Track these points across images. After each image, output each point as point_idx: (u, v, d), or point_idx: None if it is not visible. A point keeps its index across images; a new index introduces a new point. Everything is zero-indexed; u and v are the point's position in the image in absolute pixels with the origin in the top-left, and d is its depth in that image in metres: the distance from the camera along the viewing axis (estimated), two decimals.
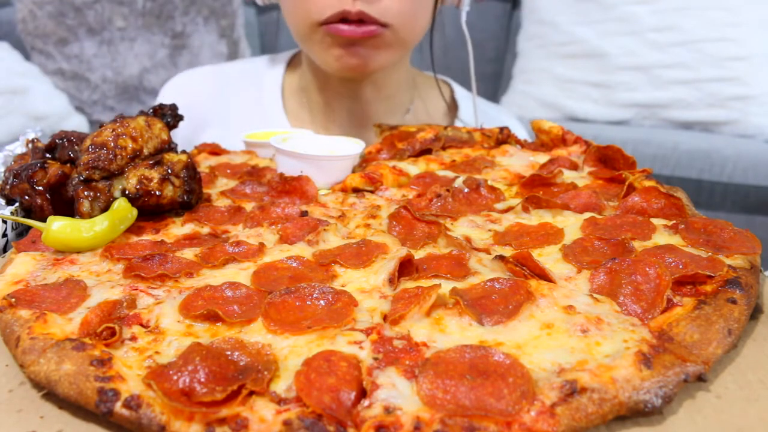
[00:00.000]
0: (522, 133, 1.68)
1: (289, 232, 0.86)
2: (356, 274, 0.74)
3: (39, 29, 2.99)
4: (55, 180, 0.90)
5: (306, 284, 0.68)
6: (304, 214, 0.95)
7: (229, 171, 1.17)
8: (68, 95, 3.05)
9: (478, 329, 0.60)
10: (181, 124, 1.45)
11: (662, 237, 0.78)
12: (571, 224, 0.84)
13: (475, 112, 1.62)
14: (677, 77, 2.76)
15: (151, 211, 0.92)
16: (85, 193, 0.86)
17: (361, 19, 1.28)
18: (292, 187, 1.04)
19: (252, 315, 0.64)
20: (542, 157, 1.14)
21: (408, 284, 0.70)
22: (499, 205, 0.96)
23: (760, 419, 0.53)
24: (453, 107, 1.73)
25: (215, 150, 1.29)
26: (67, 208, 0.88)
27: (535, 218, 0.89)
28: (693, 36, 2.73)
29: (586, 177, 1.03)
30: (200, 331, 0.62)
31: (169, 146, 0.98)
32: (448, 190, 0.97)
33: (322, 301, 0.66)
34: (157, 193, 0.90)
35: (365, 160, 1.21)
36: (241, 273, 0.74)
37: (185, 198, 0.93)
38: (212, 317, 0.63)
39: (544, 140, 1.24)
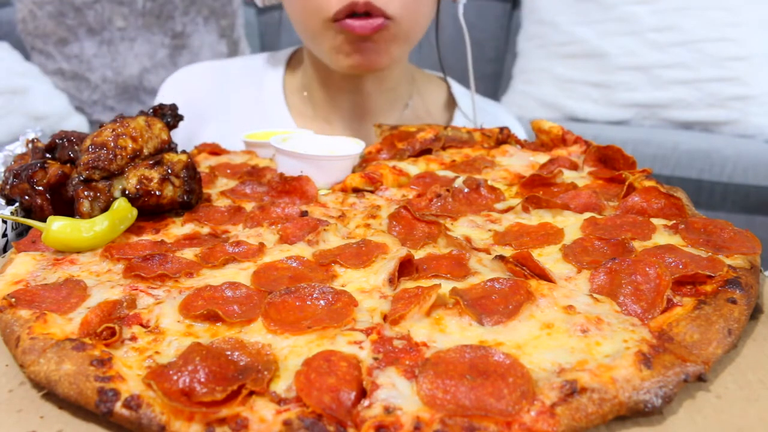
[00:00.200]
0: (519, 130, 1.69)
1: (289, 232, 0.86)
2: (356, 274, 0.74)
3: (39, 29, 2.99)
4: (55, 180, 0.90)
5: (306, 284, 0.68)
6: (304, 214, 0.95)
7: (229, 171, 1.17)
8: (68, 95, 3.05)
9: (478, 329, 0.60)
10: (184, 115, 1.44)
11: (662, 237, 0.78)
12: (571, 224, 0.84)
13: (473, 107, 1.62)
14: (677, 77, 2.76)
15: (151, 211, 0.92)
16: (85, 193, 0.86)
17: (368, 12, 1.29)
18: (292, 187, 1.04)
19: (252, 315, 0.64)
20: (542, 157, 1.14)
21: (408, 284, 0.70)
22: (499, 205, 0.96)
23: (760, 419, 0.53)
24: (450, 103, 1.74)
25: (215, 150, 1.29)
26: (67, 208, 0.88)
27: (535, 218, 0.89)
28: (693, 36, 2.73)
29: (586, 177, 1.03)
30: (200, 331, 0.62)
31: (169, 146, 0.98)
32: (448, 190, 0.98)
33: (322, 301, 0.66)
34: (157, 193, 0.90)
35: (365, 160, 1.21)
36: (241, 273, 0.74)
37: (185, 198, 0.93)
38: (212, 317, 0.63)
39: (544, 140, 1.24)
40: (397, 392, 0.51)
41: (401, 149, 1.20)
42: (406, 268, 0.73)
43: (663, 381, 0.52)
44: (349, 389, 0.52)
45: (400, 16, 1.33)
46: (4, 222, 0.92)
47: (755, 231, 0.76)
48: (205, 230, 0.90)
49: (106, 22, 3.03)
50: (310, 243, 0.83)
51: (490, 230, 0.86)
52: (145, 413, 0.50)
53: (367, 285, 0.71)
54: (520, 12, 3.22)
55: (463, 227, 0.88)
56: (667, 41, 2.77)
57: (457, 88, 1.76)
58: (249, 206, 0.98)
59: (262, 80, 1.70)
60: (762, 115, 2.70)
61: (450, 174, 1.08)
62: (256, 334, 0.61)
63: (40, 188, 0.89)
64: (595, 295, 0.65)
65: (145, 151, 0.93)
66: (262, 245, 0.81)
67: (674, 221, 0.81)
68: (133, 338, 0.60)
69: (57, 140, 0.94)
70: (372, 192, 1.06)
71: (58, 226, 0.79)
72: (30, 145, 1.01)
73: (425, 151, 1.21)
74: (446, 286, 0.67)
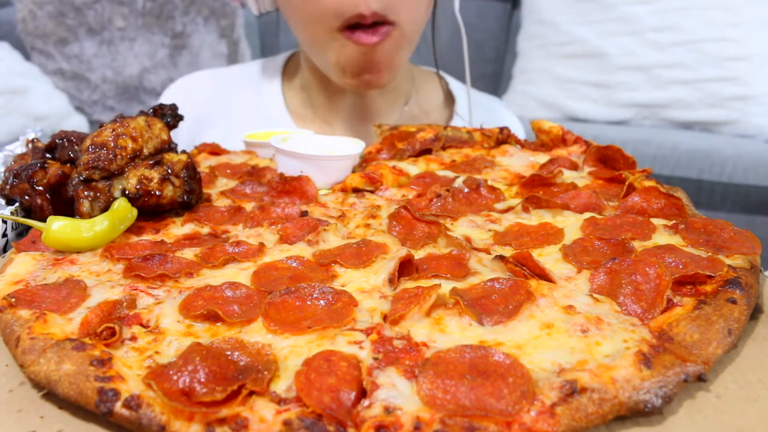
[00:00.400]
0: (518, 126, 1.69)
1: (289, 232, 0.86)
2: (356, 274, 0.74)
3: (39, 29, 2.99)
4: (55, 180, 0.90)
5: (306, 284, 0.68)
6: (304, 214, 0.95)
7: (229, 171, 1.17)
8: (68, 95, 3.05)
9: (478, 329, 0.60)
10: (183, 126, 1.45)
11: (662, 237, 0.78)
12: (571, 224, 0.84)
13: (469, 103, 1.62)
14: (677, 77, 2.76)
15: (151, 211, 0.92)
16: (85, 193, 0.86)
17: (375, 22, 1.29)
18: (292, 187, 1.04)
19: (252, 315, 0.64)
20: (542, 157, 1.14)
21: (408, 284, 0.70)
22: (499, 205, 0.96)
23: (760, 419, 0.52)
24: (449, 99, 1.74)
25: (215, 150, 1.29)
26: (67, 208, 0.88)
27: (535, 218, 0.89)
28: (693, 36, 2.73)
29: (586, 177, 1.03)
30: (200, 331, 0.62)
31: (169, 146, 0.98)
32: (448, 190, 0.97)
33: (322, 301, 0.66)
34: (157, 193, 0.90)
35: (365, 160, 1.21)
36: (241, 273, 0.74)
37: (185, 198, 0.93)
38: (212, 317, 0.63)
39: (544, 140, 1.24)
40: (397, 392, 0.51)
41: (401, 149, 1.20)
42: (406, 268, 0.73)
43: (663, 381, 0.52)
44: (349, 389, 0.52)
45: (404, 22, 1.33)
46: (4, 222, 0.92)
47: (755, 231, 0.76)
48: (205, 230, 0.90)
49: (106, 22, 3.03)
50: (310, 243, 0.83)
51: (490, 230, 0.86)
52: (145, 413, 0.50)
53: (367, 285, 0.71)
54: (520, 12, 3.22)
55: (463, 227, 0.88)
56: (667, 41, 2.77)
57: (455, 84, 1.76)
58: (249, 206, 0.98)
59: (261, 86, 1.71)
60: (762, 115, 2.71)
61: (450, 174, 1.08)
62: (256, 334, 0.61)
63: (40, 188, 0.89)
64: (595, 295, 0.65)
65: (145, 151, 0.93)
66: (262, 245, 0.81)
67: (674, 221, 0.81)
68: (133, 338, 0.60)
69: (57, 140, 0.94)
70: (372, 192, 1.06)
71: (58, 226, 0.79)
72: (30, 145, 1.01)
73: (425, 151, 1.21)
74: (446, 286, 0.67)
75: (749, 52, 2.70)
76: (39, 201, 0.89)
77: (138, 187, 0.89)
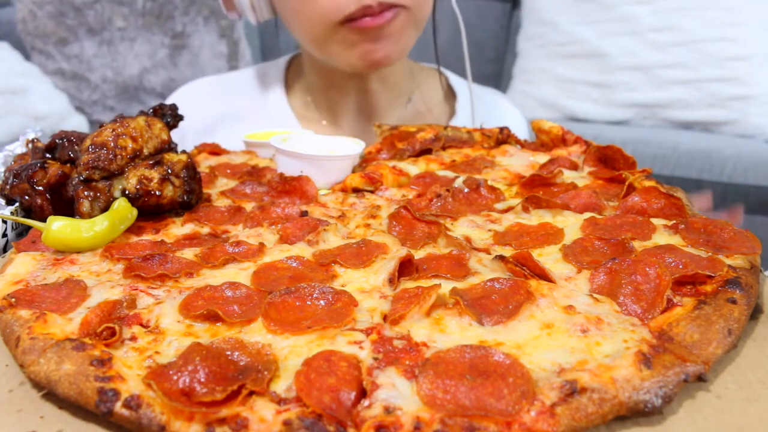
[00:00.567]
0: (520, 119, 1.68)
1: (289, 232, 0.86)
2: (356, 274, 0.74)
3: (39, 29, 2.99)
4: (55, 180, 0.90)
5: (306, 284, 0.68)
6: (304, 214, 0.95)
7: (229, 171, 1.17)
8: (68, 95, 3.05)
9: (478, 329, 0.60)
10: (190, 133, 1.45)
11: (662, 237, 0.78)
12: (571, 224, 0.84)
13: (470, 96, 1.62)
14: (677, 77, 2.76)
15: (151, 211, 0.92)
16: (85, 193, 0.86)
17: (382, 9, 1.29)
18: (292, 187, 1.04)
19: (252, 315, 0.64)
20: (542, 157, 1.14)
21: (408, 284, 0.70)
22: (499, 205, 0.96)
23: (760, 419, 0.53)
24: (450, 95, 1.75)
25: (215, 150, 1.29)
26: (67, 208, 0.88)
27: (535, 218, 0.89)
28: (693, 36, 2.73)
29: (586, 177, 1.03)
30: (200, 331, 0.62)
31: (169, 146, 0.98)
32: (448, 190, 0.97)
33: (322, 301, 0.66)
34: (157, 193, 0.90)
35: (365, 160, 1.21)
36: (241, 273, 0.74)
37: (185, 198, 0.93)
38: (212, 317, 0.63)
39: (544, 140, 1.24)
40: (397, 392, 0.51)
41: (401, 149, 1.20)
42: (406, 268, 0.73)
43: (663, 381, 0.52)
44: (349, 389, 0.52)
45: (413, 4, 1.33)
46: (4, 222, 0.92)
47: (755, 231, 0.76)
48: (205, 230, 0.90)
49: (106, 22, 3.03)
50: (310, 243, 0.83)
51: (490, 230, 0.86)
52: (145, 413, 0.50)
53: (367, 285, 0.71)
54: (520, 12, 3.22)
55: (463, 227, 0.88)
56: (667, 41, 2.77)
57: (456, 80, 1.77)
58: (249, 206, 0.98)
59: (265, 90, 1.71)
60: (762, 115, 2.70)
61: (450, 174, 1.08)
62: (256, 334, 0.61)
63: (40, 188, 0.89)
64: (595, 295, 0.65)
65: (145, 151, 0.93)
66: (262, 245, 0.81)
67: (674, 221, 0.81)
68: (133, 338, 0.60)
69: (57, 140, 0.94)
70: (372, 192, 1.06)
71: (58, 226, 0.79)
72: (30, 145, 1.01)
73: (425, 151, 1.21)
74: (446, 286, 0.67)
75: (749, 52, 2.70)
76: (39, 201, 0.89)
77: (138, 187, 0.89)
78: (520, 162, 1.15)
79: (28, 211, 0.92)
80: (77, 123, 2.99)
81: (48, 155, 0.95)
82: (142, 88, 3.13)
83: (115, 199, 0.87)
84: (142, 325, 0.63)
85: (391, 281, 0.70)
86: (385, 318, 0.63)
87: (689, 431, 0.52)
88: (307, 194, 1.03)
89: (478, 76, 1.64)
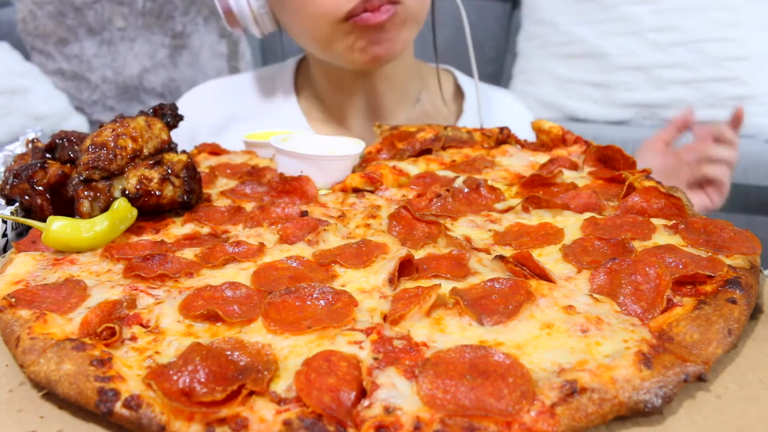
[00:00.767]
0: (528, 118, 1.69)
1: (289, 232, 0.86)
2: (356, 274, 0.74)
3: (39, 29, 2.99)
4: (55, 180, 0.90)
5: (306, 284, 0.68)
6: (304, 214, 0.95)
7: (229, 171, 1.17)
8: (68, 95, 3.05)
9: (478, 329, 0.60)
10: (200, 135, 1.45)
11: (662, 237, 0.78)
12: (571, 224, 0.84)
13: (477, 96, 1.62)
14: (677, 77, 2.76)
15: (151, 211, 0.92)
16: (85, 193, 0.86)
17: (380, 4, 1.29)
18: (292, 187, 1.04)
19: (252, 315, 0.64)
20: (542, 157, 1.14)
21: (408, 284, 0.70)
22: (499, 205, 0.96)
23: (760, 419, 0.52)
24: (458, 95, 1.75)
25: (215, 150, 1.29)
26: (67, 208, 0.88)
27: (535, 218, 0.89)
28: (693, 36, 2.73)
29: (586, 177, 1.03)
30: (200, 331, 0.62)
31: (169, 146, 0.98)
32: (448, 190, 0.97)
33: (322, 301, 0.66)
34: (157, 193, 0.90)
35: (365, 160, 1.21)
36: (241, 273, 0.74)
37: (185, 198, 0.93)
38: (212, 317, 0.63)
39: (544, 140, 1.24)
40: (397, 392, 0.51)
41: (401, 149, 1.20)
42: (406, 268, 0.73)
43: (663, 381, 0.52)
44: (349, 389, 0.52)
45: (409, 2, 1.34)
46: (4, 222, 0.92)
47: (755, 231, 0.76)
48: (205, 230, 0.90)
49: (106, 22, 3.03)
50: (310, 243, 0.83)
51: (490, 230, 0.86)
52: (145, 413, 0.50)
53: (367, 285, 0.71)
54: (520, 12, 3.22)
55: (463, 227, 0.88)
56: (667, 41, 2.77)
57: (464, 79, 1.77)
58: (249, 206, 0.98)
59: (275, 92, 1.72)
60: (762, 115, 2.70)
61: (450, 174, 1.08)
62: (256, 334, 0.61)
63: (40, 188, 0.89)
64: (595, 295, 0.65)
65: (145, 151, 0.93)
66: (262, 245, 0.81)
67: (674, 221, 0.81)
68: (133, 338, 0.60)
69: (57, 140, 0.94)
70: (372, 192, 1.06)
71: (58, 226, 0.79)
72: (30, 145, 1.01)
73: (425, 151, 1.21)
74: (446, 286, 0.67)
75: (749, 52, 2.70)
76: (39, 201, 0.89)
77: (138, 187, 0.89)
78: (520, 162, 1.15)
79: (28, 211, 0.92)
80: (77, 123, 2.99)
81: (48, 155, 0.95)
82: (142, 88, 3.13)
83: (115, 199, 0.87)
84: (142, 325, 0.63)
85: (391, 281, 0.70)
86: (385, 318, 0.63)
87: (689, 431, 0.52)
88: (307, 194, 1.03)
89: (479, 75, 1.64)
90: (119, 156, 0.89)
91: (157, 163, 0.91)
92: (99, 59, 3.07)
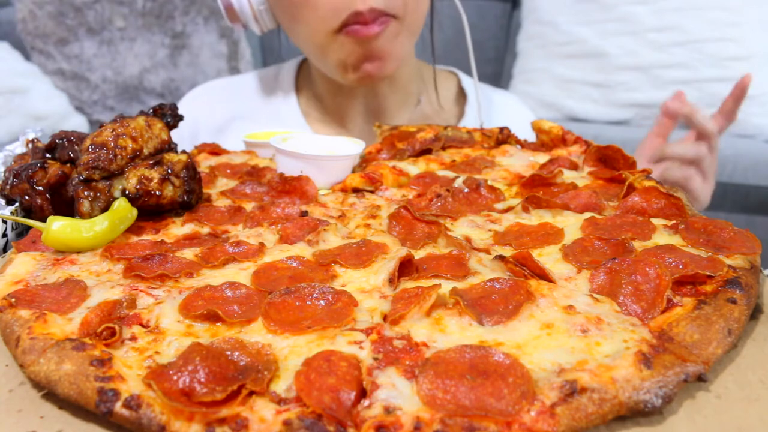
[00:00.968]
0: (529, 115, 1.68)
1: (289, 232, 0.86)
2: (356, 274, 0.74)
3: (39, 29, 2.99)
4: (55, 180, 0.90)
5: (306, 284, 0.68)
6: (304, 214, 0.95)
7: (229, 171, 1.17)
8: (68, 95, 3.05)
9: (478, 329, 0.60)
10: (201, 135, 1.45)
11: (662, 237, 0.78)
12: (571, 224, 0.84)
13: (477, 97, 1.62)
14: (677, 77, 2.76)
15: (151, 211, 0.92)
16: (85, 193, 0.86)
17: (374, 17, 1.29)
18: (292, 187, 1.04)
19: (252, 315, 0.64)
20: (542, 157, 1.14)
21: (408, 284, 0.70)
22: (499, 205, 0.96)
23: (760, 419, 0.52)
24: (461, 97, 1.74)
25: (215, 150, 1.29)
26: (67, 208, 0.88)
27: (535, 218, 0.89)
28: (693, 36, 2.73)
29: (586, 177, 1.03)
30: (200, 331, 0.62)
31: (169, 146, 0.98)
32: (448, 190, 0.97)
33: (322, 301, 0.66)
34: (157, 193, 0.90)
35: (365, 160, 1.21)
36: (241, 273, 0.74)
37: (185, 198, 0.93)
38: (212, 317, 0.63)
39: (544, 140, 1.24)
40: (397, 392, 0.51)
41: (401, 149, 1.20)
42: (406, 268, 0.73)
43: (663, 381, 0.52)
44: (349, 389, 0.52)
45: (404, 13, 1.34)
46: (4, 222, 0.92)
47: (755, 231, 0.76)
48: (205, 230, 0.90)
49: (106, 22, 3.03)
50: (310, 243, 0.83)
51: (490, 230, 0.86)
52: (145, 413, 0.50)
53: (367, 285, 0.71)
54: (520, 12, 3.22)
55: (463, 227, 0.88)
56: (667, 41, 2.77)
57: (466, 81, 1.77)
58: (249, 206, 0.98)
59: (276, 93, 1.72)
60: (762, 115, 2.70)
61: (450, 174, 1.08)
62: (256, 334, 0.61)
63: (40, 188, 0.89)
64: (595, 295, 0.65)
65: (145, 151, 0.93)
66: (262, 245, 0.81)
67: (674, 221, 0.81)
68: (133, 338, 0.60)
69: (57, 140, 0.94)
70: (372, 192, 1.06)
71: (58, 226, 0.79)
72: (30, 145, 1.01)
73: (425, 151, 1.21)
74: (446, 286, 0.67)
75: (749, 52, 2.70)
76: (39, 201, 0.89)
77: (138, 187, 0.89)
78: (520, 162, 1.15)
79: (28, 211, 0.92)
80: (77, 123, 3.00)
81: (48, 155, 0.95)
82: (142, 88, 3.13)
83: (115, 199, 0.87)
84: (142, 325, 0.63)
85: (391, 281, 0.70)
86: (385, 318, 0.63)
87: (689, 431, 0.52)
88: (307, 194, 1.03)
89: (479, 76, 1.64)
90: (119, 156, 0.89)
91: (157, 163, 0.91)
92: (99, 59, 3.07)
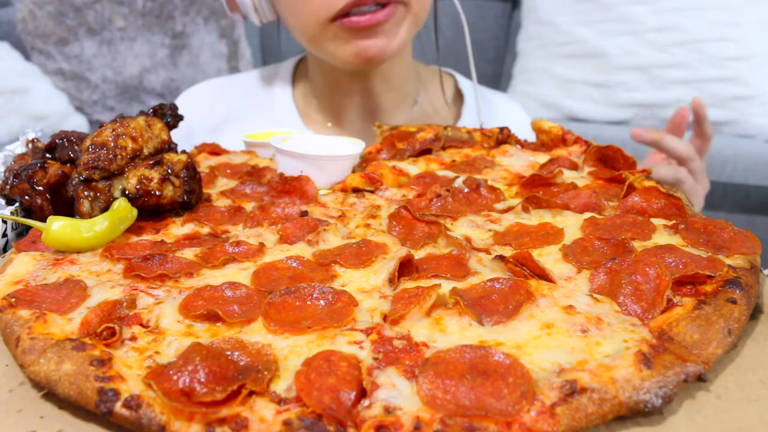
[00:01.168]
0: (526, 120, 1.69)
1: (289, 232, 0.86)
2: (356, 274, 0.74)
3: (39, 29, 2.99)
4: (55, 180, 0.90)
5: (306, 284, 0.68)
6: (304, 214, 0.95)
7: (229, 171, 1.17)
8: (68, 95, 3.05)
9: (478, 329, 0.60)
10: (197, 134, 1.45)
11: (662, 237, 0.78)
12: (571, 224, 0.84)
13: (476, 99, 1.62)
14: (677, 77, 2.76)
15: (151, 211, 0.92)
16: (85, 193, 0.86)
17: (378, 3, 1.28)
18: (292, 187, 1.04)
19: (252, 315, 0.64)
20: (542, 157, 1.14)
21: (408, 284, 0.70)
22: (499, 205, 0.96)
23: (760, 419, 0.53)
24: (458, 98, 1.74)
25: (215, 150, 1.29)
26: (67, 208, 0.88)
27: (535, 218, 0.89)
28: (693, 36, 2.73)
29: (586, 177, 1.03)
30: (200, 331, 0.62)
31: (169, 146, 0.98)
32: (448, 190, 0.97)
33: (322, 301, 0.66)
34: (157, 193, 0.90)
35: (365, 160, 1.21)
36: (241, 273, 0.74)
37: (185, 198, 0.93)
38: (212, 317, 0.63)
39: (544, 140, 1.24)
40: (397, 392, 0.51)
41: (401, 149, 1.20)
42: (406, 268, 0.73)
43: (663, 381, 0.52)
44: (349, 389, 0.52)
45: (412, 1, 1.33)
46: (4, 222, 0.92)
47: (755, 231, 0.76)
48: (205, 230, 0.90)
49: (106, 22, 3.03)
50: (310, 243, 0.83)
51: (490, 230, 0.86)
52: (145, 413, 0.50)
53: (367, 285, 0.71)
54: (520, 12, 3.22)
55: (463, 227, 0.88)
56: (667, 41, 2.77)
57: (464, 82, 1.76)
58: (249, 206, 0.98)
59: (272, 91, 1.72)
60: (762, 115, 2.70)
61: (450, 174, 1.08)
62: (256, 334, 0.61)
63: (40, 188, 0.89)
64: (595, 295, 0.65)
65: (145, 151, 0.93)
66: (262, 245, 0.81)
67: (674, 221, 0.81)
68: (133, 338, 0.60)
69: (57, 140, 0.94)
70: (372, 192, 1.06)
71: (58, 226, 0.79)
72: (30, 145, 1.01)
73: (425, 151, 1.21)
74: (446, 286, 0.67)
75: (749, 52, 2.70)
76: (39, 201, 0.89)
77: (138, 187, 0.89)
78: (520, 162, 1.15)
79: (28, 211, 0.92)
80: (77, 123, 2.99)
81: (48, 155, 0.95)
82: (142, 88, 3.13)
83: (115, 199, 0.87)
84: (142, 325, 0.63)
85: (391, 281, 0.70)
86: (385, 318, 0.63)
87: (689, 431, 0.52)
88: (307, 194, 1.03)
89: (478, 76, 1.65)
90: (119, 156, 0.89)
91: (157, 163, 0.91)
92: (99, 59, 3.07)
